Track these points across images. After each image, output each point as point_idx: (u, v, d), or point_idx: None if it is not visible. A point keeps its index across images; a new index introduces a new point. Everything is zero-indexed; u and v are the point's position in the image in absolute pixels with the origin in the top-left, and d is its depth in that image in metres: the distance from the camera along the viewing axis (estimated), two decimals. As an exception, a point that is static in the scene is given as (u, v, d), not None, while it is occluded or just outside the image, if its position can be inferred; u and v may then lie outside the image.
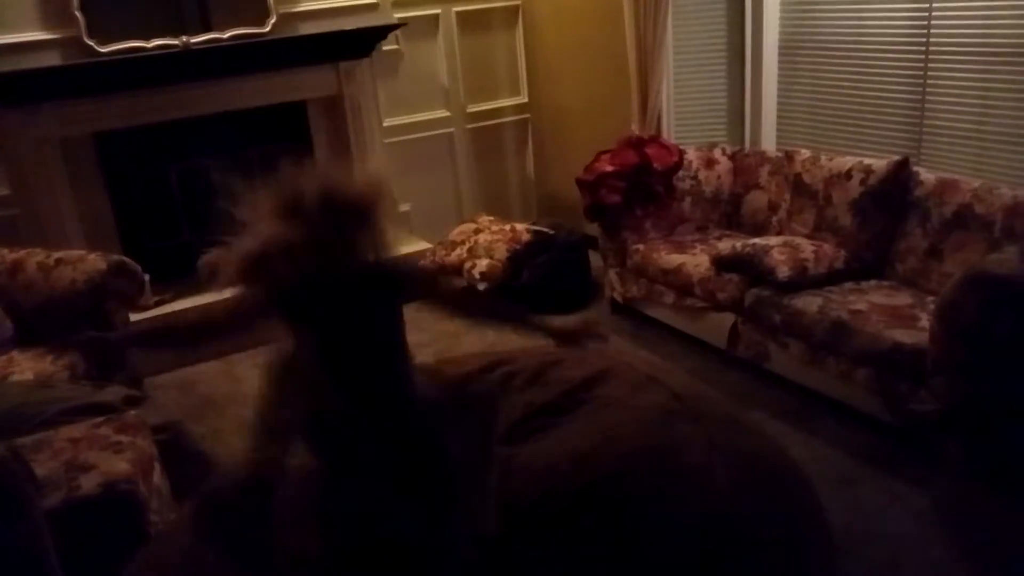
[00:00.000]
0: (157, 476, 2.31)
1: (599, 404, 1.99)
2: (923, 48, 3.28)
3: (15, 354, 2.99)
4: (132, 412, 2.50)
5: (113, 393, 2.67)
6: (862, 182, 3.21)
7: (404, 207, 4.91)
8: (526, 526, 1.66)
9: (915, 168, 3.18)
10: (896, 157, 3.19)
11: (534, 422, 1.99)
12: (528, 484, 1.74)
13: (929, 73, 3.28)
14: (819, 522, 1.94)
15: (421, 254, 4.45)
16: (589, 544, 1.64)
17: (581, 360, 2.24)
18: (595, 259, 4.30)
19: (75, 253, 3.28)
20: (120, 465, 2.10)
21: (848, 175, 3.26)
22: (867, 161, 3.25)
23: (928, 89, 3.30)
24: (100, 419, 2.38)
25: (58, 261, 3.20)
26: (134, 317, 3.51)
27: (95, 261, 3.18)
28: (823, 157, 3.44)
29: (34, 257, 3.24)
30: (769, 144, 4.07)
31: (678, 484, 1.75)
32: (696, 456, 1.81)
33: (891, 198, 3.16)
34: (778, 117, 4.05)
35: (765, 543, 1.73)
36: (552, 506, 1.69)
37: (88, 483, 2.02)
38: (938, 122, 3.30)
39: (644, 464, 1.77)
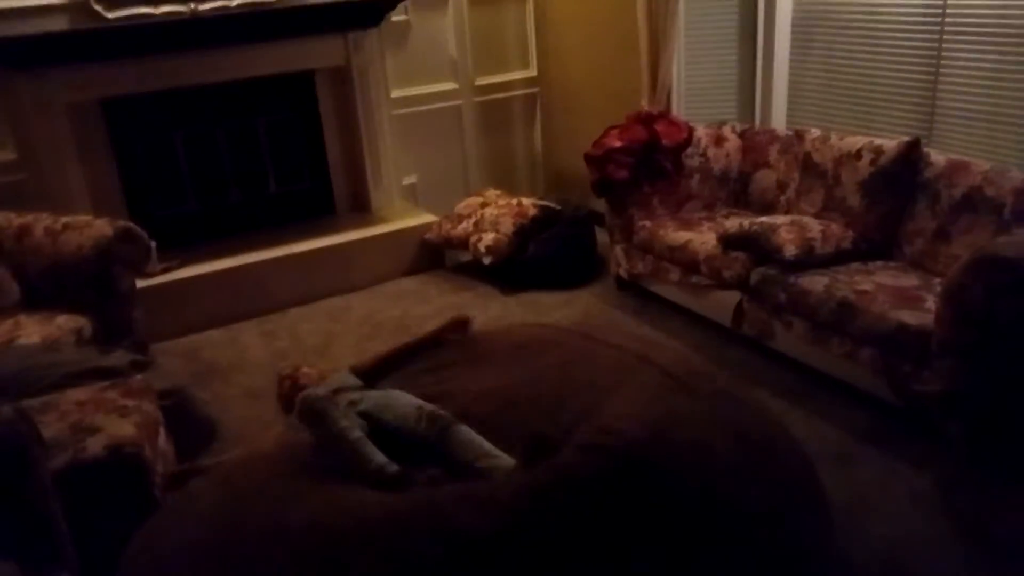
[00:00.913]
0: (162, 440, 2.34)
1: (600, 389, 2.00)
2: (938, 28, 3.24)
3: (22, 317, 3.01)
4: (138, 377, 2.53)
5: (119, 358, 2.70)
6: (872, 162, 3.19)
7: (410, 179, 4.90)
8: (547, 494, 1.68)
9: (926, 149, 3.16)
10: (907, 138, 3.16)
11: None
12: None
13: (943, 53, 3.25)
14: (815, 497, 1.95)
15: (427, 227, 4.45)
16: (597, 510, 1.65)
17: (566, 345, 2.26)
18: (601, 235, 4.30)
19: (82, 219, 3.29)
20: (126, 428, 2.12)
21: (858, 155, 3.24)
22: (877, 141, 3.23)
23: (942, 70, 3.27)
24: (106, 383, 2.40)
25: (65, 226, 3.20)
26: (140, 284, 3.52)
27: (102, 227, 3.18)
28: (833, 136, 3.41)
29: (41, 222, 3.25)
30: (779, 123, 4.04)
31: (681, 459, 1.76)
32: (695, 430, 1.82)
33: (900, 179, 3.14)
34: (789, 95, 4.02)
35: (761, 518, 1.74)
36: (569, 479, 1.70)
37: (94, 445, 2.04)
38: (951, 103, 3.27)
39: (648, 438, 1.77)
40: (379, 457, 1.86)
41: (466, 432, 1.91)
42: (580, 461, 1.71)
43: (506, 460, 1.83)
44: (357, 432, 1.92)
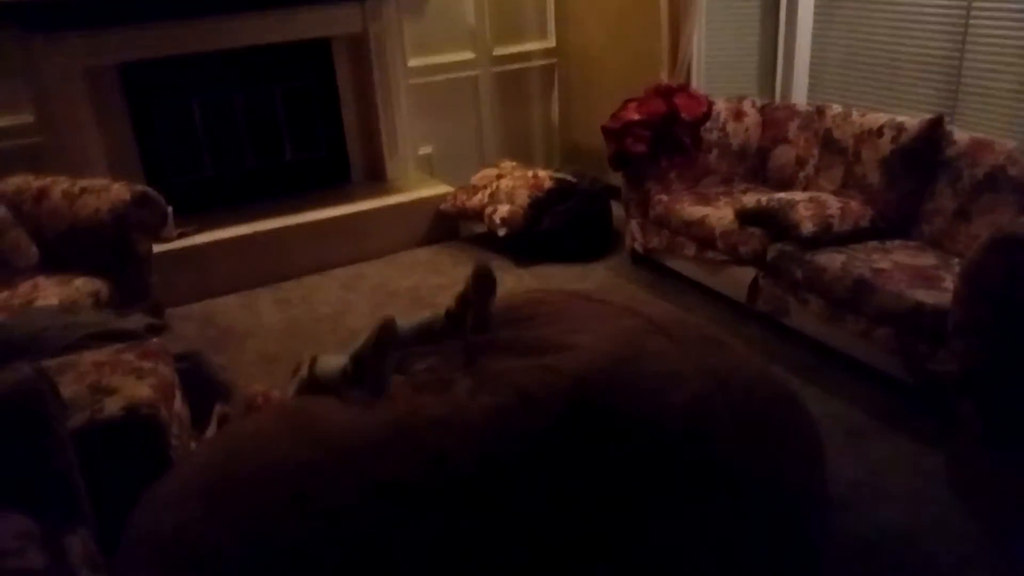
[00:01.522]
0: (178, 403, 2.36)
1: (577, 332, 2.03)
2: (964, 3, 3.18)
3: (40, 279, 3.03)
4: (154, 340, 2.54)
5: (136, 321, 2.71)
6: (893, 140, 3.15)
7: (426, 149, 4.89)
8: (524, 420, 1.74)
9: (949, 127, 3.12)
10: (930, 115, 3.12)
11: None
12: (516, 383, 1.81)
13: (969, 30, 3.19)
14: (802, 437, 1.96)
15: (442, 197, 4.44)
16: (560, 434, 1.71)
17: (556, 303, 2.28)
18: (616, 210, 4.28)
19: (99, 182, 3.30)
20: (143, 390, 2.14)
21: (879, 132, 3.20)
22: (900, 118, 3.19)
23: (967, 46, 3.21)
24: (123, 345, 2.42)
25: (83, 190, 3.22)
26: (157, 249, 3.54)
27: (119, 191, 3.20)
28: (855, 113, 3.37)
29: (59, 185, 3.26)
30: (800, 98, 3.99)
31: (645, 386, 1.80)
32: (666, 364, 1.86)
33: (922, 157, 3.10)
34: (811, 70, 3.97)
35: (737, 451, 1.77)
36: (532, 401, 1.76)
37: (112, 406, 2.06)
38: (976, 80, 3.22)
39: (612, 366, 1.82)
40: (337, 361, 2.02)
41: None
42: (539, 383, 1.78)
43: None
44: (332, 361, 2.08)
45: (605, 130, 3.79)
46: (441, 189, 4.52)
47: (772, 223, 3.15)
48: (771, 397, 1.94)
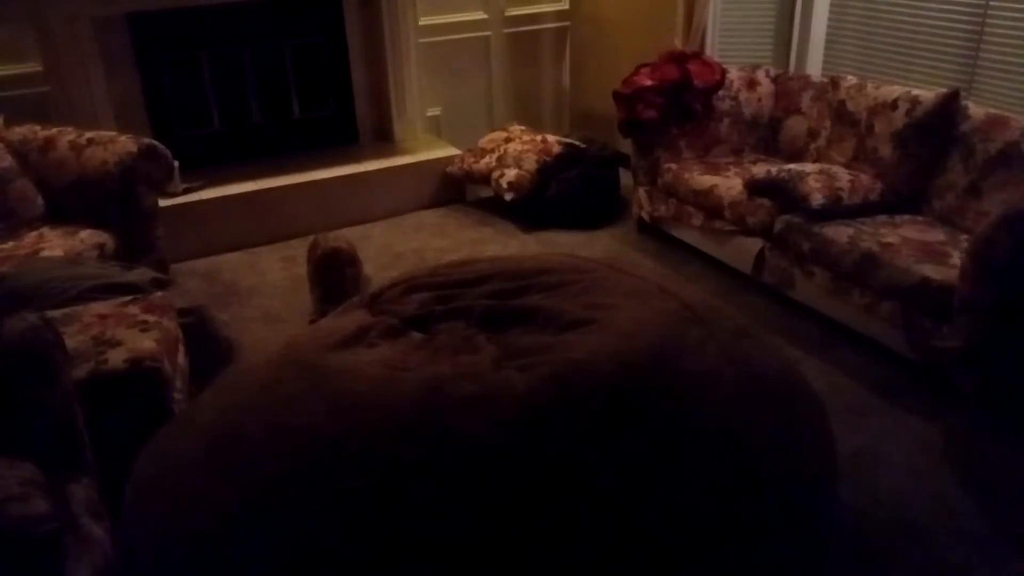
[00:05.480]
0: (181, 357, 2.37)
1: (613, 310, 1.99)
2: (988, -25, 3.13)
3: (46, 230, 3.03)
4: (159, 294, 2.55)
5: (140, 275, 2.72)
6: (907, 113, 3.11)
7: (435, 111, 4.85)
8: (552, 406, 1.67)
9: (964, 102, 3.08)
10: (946, 89, 3.08)
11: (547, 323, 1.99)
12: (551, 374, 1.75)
13: (991, 2, 3.13)
14: (822, 439, 1.95)
15: (450, 160, 4.41)
16: (597, 431, 1.65)
17: (589, 272, 2.23)
18: (624, 177, 4.25)
19: (106, 134, 3.28)
20: (146, 343, 2.15)
21: (894, 105, 3.16)
22: (915, 92, 3.15)
23: (988, 19, 3.16)
24: (128, 298, 2.43)
25: (89, 141, 3.20)
26: (163, 203, 3.53)
27: (126, 143, 3.18)
28: (869, 85, 3.32)
29: (66, 136, 3.25)
30: (815, 68, 3.94)
31: (685, 385, 1.76)
32: (705, 361, 1.82)
33: (936, 131, 3.06)
34: (827, 41, 3.91)
35: (764, 450, 1.75)
36: (569, 393, 1.69)
37: (115, 358, 2.07)
38: (995, 55, 3.17)
39: (653, 362, 1.77)
40: None
41: None
42: (576, 371, 1.71)
43: None
44: None
45: (616, 95, 3.75)
46: (449, 151, 4.49)
47: (781, 194, 3.13)
48: (795, 394, 1.92)
